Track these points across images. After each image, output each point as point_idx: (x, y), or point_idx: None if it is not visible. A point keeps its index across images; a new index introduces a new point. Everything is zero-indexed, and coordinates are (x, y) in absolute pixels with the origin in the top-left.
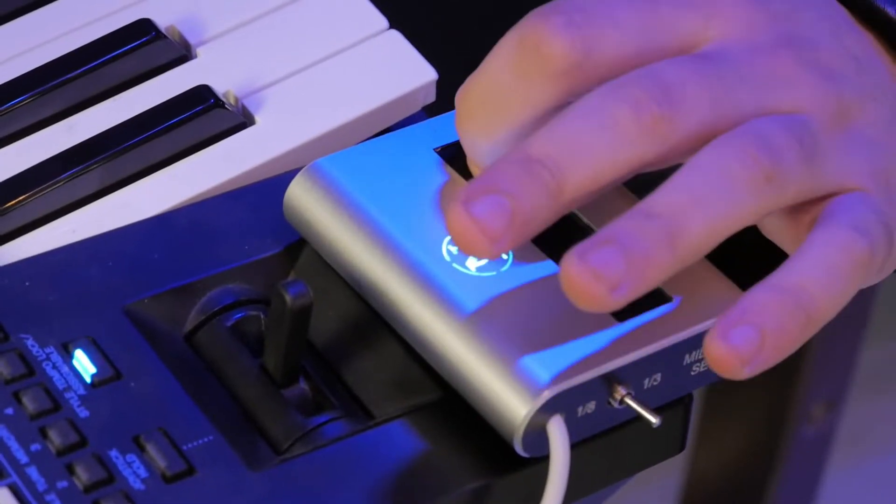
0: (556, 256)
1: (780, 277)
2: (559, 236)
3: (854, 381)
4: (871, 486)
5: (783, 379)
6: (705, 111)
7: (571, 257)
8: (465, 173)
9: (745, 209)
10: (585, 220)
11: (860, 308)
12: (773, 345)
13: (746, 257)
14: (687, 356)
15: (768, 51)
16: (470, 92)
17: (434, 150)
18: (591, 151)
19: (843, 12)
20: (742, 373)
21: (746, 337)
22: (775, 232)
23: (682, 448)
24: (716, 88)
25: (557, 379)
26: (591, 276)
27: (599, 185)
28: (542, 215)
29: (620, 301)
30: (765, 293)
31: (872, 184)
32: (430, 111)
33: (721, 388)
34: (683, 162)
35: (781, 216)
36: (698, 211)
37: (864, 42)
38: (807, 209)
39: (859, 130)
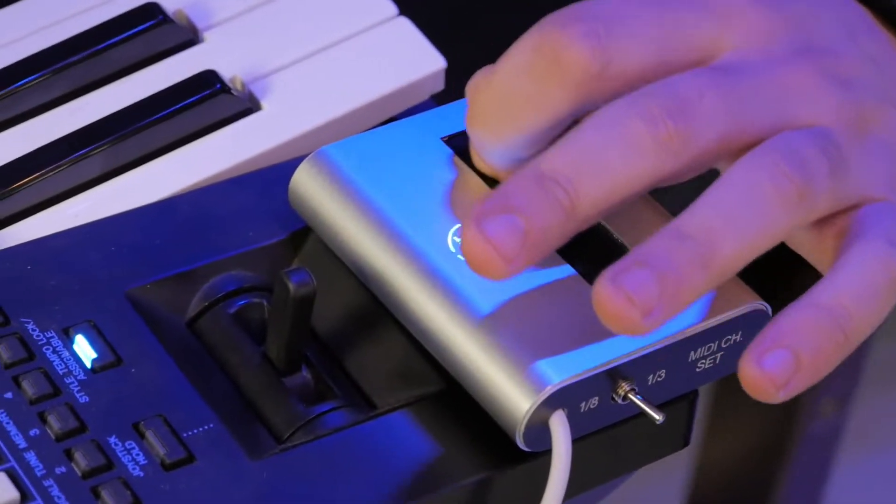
0: (567, 256)
1: (816, 295)
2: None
3: (862, 376)
4: (879, 481)
5: None
6: (721, 126)
7: (604, 281)
8: (471, 161)
9: (777, 227)
10: (602, 221)
11: None
12: (810, 367)
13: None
14: (692, 353)
15: (786, 62)
16: (482, 93)
17: (441, 139)
18: (606, 168)
19: (860, 10)
20: (777, 397)
21: (781, 361)
22: (800, 244)
23: (685, 444)
24: (732, 102)
25: (561, 373)
26: (624, 300)
27: (615, 201)
28: (557, 233)
29: (653, 325)
30: (800, 313)
31: (893, 193)
32: (438, 99)
33: (729, 383)
34: (699, 174)
35: (806, 228)
36: (731, 231)
37: (881, 41)
38: (832, 220)
39: (878, 137)
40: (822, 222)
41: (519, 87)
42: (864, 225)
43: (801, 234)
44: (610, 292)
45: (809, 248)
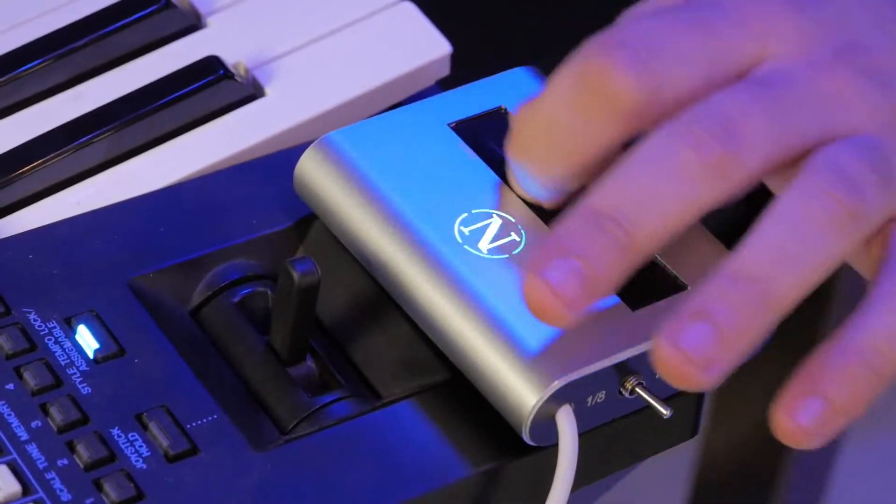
0: None
1: (847, 337)
2: None
3: None
4: (886, 463)
5: (798, 358)
6: (768, 143)
7: (663, 341)
8: (479, 149)
9: (834, 253)
10: None
11: None
12: (843, 412)
13: None
14: None
15: (823, 68)
16: (526, 125)
17: (448, 125)
18: (661, 200)
19: None
20: (811, 445)
21: (815, 411)
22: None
23: (694, 434)
24: (778, 118)
25: (567, 368)
26: (683, 360)
27: (672, 233)
28: (617, 272)
29: (717, 377)
30: (832, 357)
31: None
32: (444, 85)
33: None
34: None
35: None
36: (788, 267)
37: None
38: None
39: None
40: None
41: (565, 120)
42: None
43: None
44: (669, 354)
45: (855, 257)
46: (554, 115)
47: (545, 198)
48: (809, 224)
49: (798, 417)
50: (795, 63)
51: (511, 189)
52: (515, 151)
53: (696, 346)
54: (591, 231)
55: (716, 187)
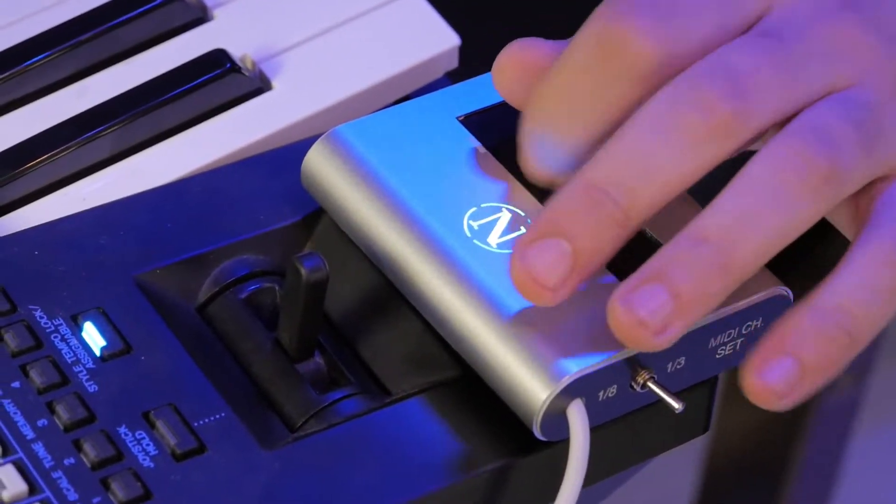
0: None
1: (819, 299)
2: None
3: (879, 350)
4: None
5: None
6: (776, 98)
7: (616, 302)
8: (488, 142)
9: (803, 216)
10: None
11: None
12: (814, 373)
13: None
14: (712, 340)
15: (831, 16)
16: (546, 90)
17: (457, 118)
18: (661, 168)
19: None
20: (780, 406)
21: (785, 370)
22: (833, 215)
23: (706, 429)
24: (785, 71)
25: (579, 362)
26: (636, 323)
27: (669, 198)
28: (608, 248)
29: (669, 340)
30: (803, 318)
31: None
32: (452, 77)
33: None
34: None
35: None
36: (752, 231)
37: None
38: (866, 189)
39: None
40: (856, 194)
41: (584, 84)
42: (880, 211)
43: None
44: (622, 316)
45: (844, 221)
46: (574, 79)
47: (559, 171)
48: (779, 188)
49: (768, 377)
50: (803, 11)
51: (519, 182)
52: (535, 117)
53: (651, 309)
54: (583, 208)
55: (721, 147)
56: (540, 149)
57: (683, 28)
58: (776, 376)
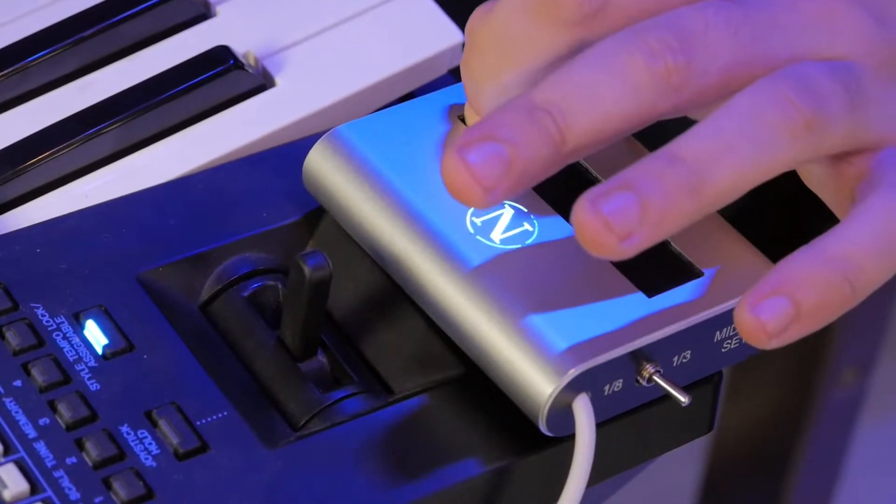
0: None
1: (826, 244)
2: None
3: (883, 344)
4: None
5: (812, 343)
6: (727, 60)
7: (583, 203)
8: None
9: (779, 157)
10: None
11: None
12: (810, 318)
13: (779, 230)
14: (717, 333)
15: None
16: (480, 31)
17: (459, 117)
18: (600, 101)
19: None
20: (768, 345)
21: (778, 309)
22: (816, 182)
23: (710, 428)
24: (742, 35)
25: (584, 356)
26: (601, 225)
27: (606, 134)
28: (542, 165)
29: (631, 251)
30: (807, 261)
31: None
32: (456, 74)
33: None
34: (709, 111)
35: (824, 166)
36: (727, 157)
37: None
38: (851, 160)
39: None
40: (841, 163)
41: (516, 26)
42: (882, 172)
43: (818, 171)
44: (588, 216)
45: (826, 188)
46: (506, 23)
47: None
48: (759, 121)
49: (761, 314)
50: None
51: (464, 122)
52: (469, 58)
53: (618, 214)
54: (523, 120)
55: (661, 98)
56: (476, 89)
57: None
58: (770, 314)
